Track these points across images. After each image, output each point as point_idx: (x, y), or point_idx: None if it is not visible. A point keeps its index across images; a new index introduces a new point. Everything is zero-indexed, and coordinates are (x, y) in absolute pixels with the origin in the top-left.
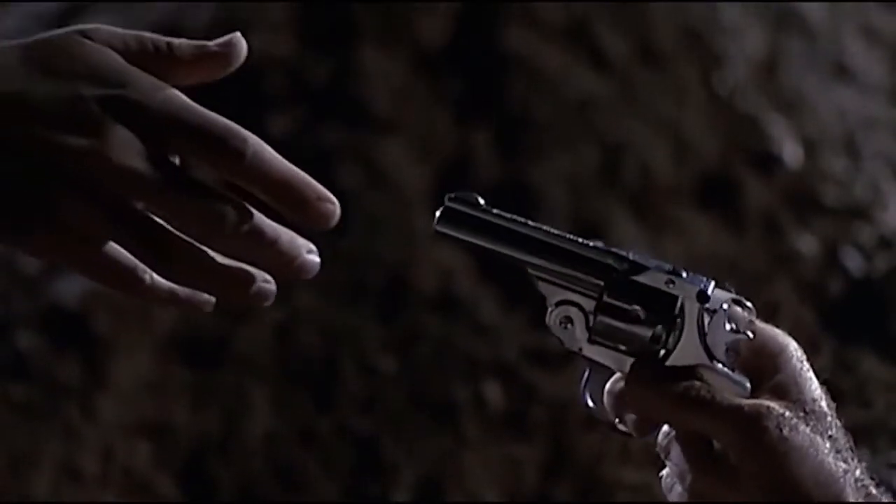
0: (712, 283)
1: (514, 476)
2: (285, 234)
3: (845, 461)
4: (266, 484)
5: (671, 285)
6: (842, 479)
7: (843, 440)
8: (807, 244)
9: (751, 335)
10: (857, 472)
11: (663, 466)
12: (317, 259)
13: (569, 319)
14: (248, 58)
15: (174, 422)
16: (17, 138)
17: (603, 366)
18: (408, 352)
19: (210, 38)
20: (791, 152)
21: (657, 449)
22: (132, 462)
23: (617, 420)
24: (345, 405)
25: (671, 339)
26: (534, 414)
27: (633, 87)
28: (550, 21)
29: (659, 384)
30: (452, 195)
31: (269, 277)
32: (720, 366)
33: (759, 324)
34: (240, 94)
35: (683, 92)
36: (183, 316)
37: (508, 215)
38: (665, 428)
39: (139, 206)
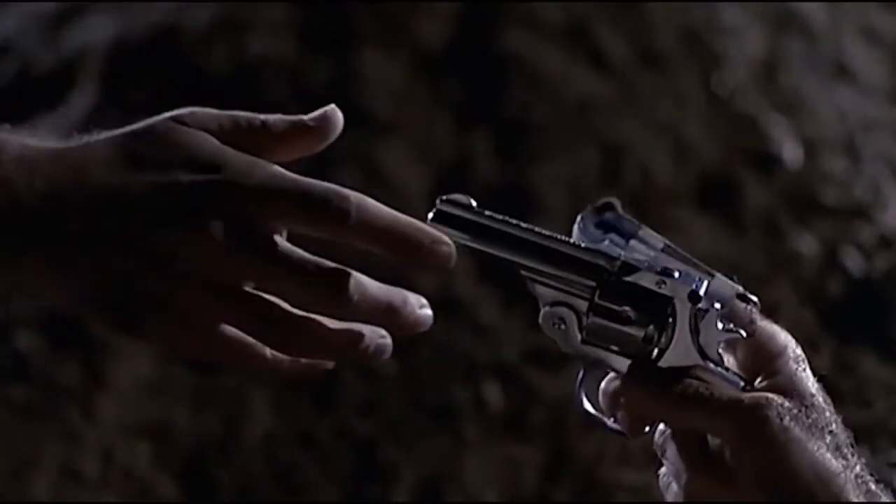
0: (706, 282)
1: (514, 477)
2: (397, 295)
3: (845, 457)
4: (266, 485)
5: (662, 286)
6: (842, 475)
7: (844, 436)
8: (807, 244)
9: (744, 334)
10: (858, 469)
11: (661, 466)
12: (429, 312)
13: (562, 320)
14: (247, 59)
15: (174, 423)
16: (121, 235)
17: (597, 366)
18: (407, 353)
19: (210, 39)
20: (791, 153)
21: (654, 448)
22: (132, 463)
23: (612, 419)
24: (344, 407)
25: (663, 339)
26: (534, 415)
27: (633, 89)
28: (550, 23)
29: (655, 383)
30: (444, 197)
31: (384, 333)
32: (713, 365)
33: (764, 321)
34: (239, 95)
35: (683, 93)
36: None
37: (500, 217)
38: (661, 427)
39: (250, 285)
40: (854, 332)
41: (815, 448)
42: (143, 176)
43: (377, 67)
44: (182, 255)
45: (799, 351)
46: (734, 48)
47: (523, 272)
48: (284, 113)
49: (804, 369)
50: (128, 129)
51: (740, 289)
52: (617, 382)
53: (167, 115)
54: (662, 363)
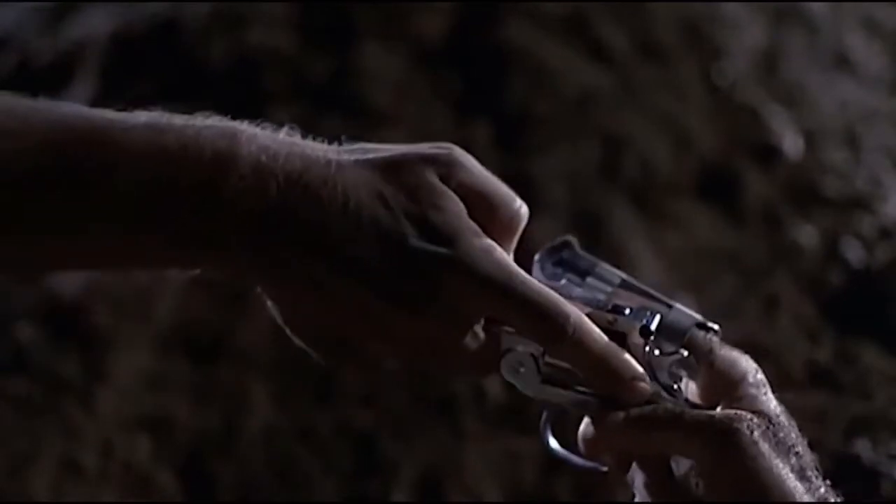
0: (657, 316)
1: (515, 471)
2: (620, 356)
3: (809, 480)
4: (266, 478)
5: (614, 324)
6: (805, 497)
7: (809, 458)
8: (807, 236)
9: (685, 353)
10: (822, 491)
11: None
12: (647, 388)
13: (520, 364)
14: (247, 52)
15: (174, 416)
16: (320, 260)
17: (560, 406)
18: None
19: (209, 32)
20: (791, 144)
21: (628, 481)
22: (132, 457)
23: (582, 459)
24: (344, 400)
25: None
26: (534, 408)
27: (633, 81)
28: (550, 15)
29: (627, 413)
30: None
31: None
32: (667, 395)
33: (722, 349)
34: (239, 88)
35: (683, 85)
36: (183, 310)
37: None
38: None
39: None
40: (855, 323)
41: (782, 466)
42: (380, 211)
43: (377, 60)
44: (398, 332)
45: (760, 376)
46: (734, 40)
47: None
48: (285, 109)
49: (765, 393)
50: (391, 154)
51: (699, 318)
52: (591, 427)
53: (432, 151)
54: None
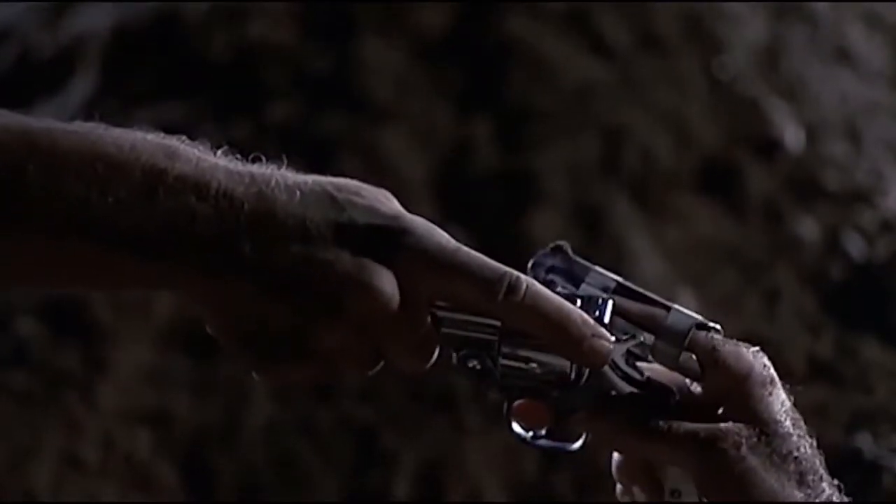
0: (610, 304)
1: (515, 464)
2: (574, 313)
3: (809, 485)
4: (266, 473)
5: None
6: None
7: (811, 462)
8: (808, 229)
9: (643, 338)
10: (824, 496)
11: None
12: (607, 344)
13: (476, 360)
14: (248, 46)
15: (175, 410)
16: (282, 253)
17: (522, 397)
18: None
19: (210, 26)
20: (792, 137)
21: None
22: (133, 451)
23: (543, 439)
24: (344, 394)
25: (575, 366)
26: None
27: (634, 74)
28: (550, 8)
29: (617, 417)
30: None
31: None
32: (628, 387)
33: (727, 346)
34: (240, 82)
35: (684, 78)
36: (183, 305)
37: None
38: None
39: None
40: (856, 317)
41: (775, 478)
42: (325, 209)
43: (377, 54)
44: (339, 288)
45: (767, 371)
46: (735, 33)
47: (438, 313)
48: (286, 103)
49: (771, 393)
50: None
51: (699, 318)
52: (583, 416)
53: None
54: (579, 386)
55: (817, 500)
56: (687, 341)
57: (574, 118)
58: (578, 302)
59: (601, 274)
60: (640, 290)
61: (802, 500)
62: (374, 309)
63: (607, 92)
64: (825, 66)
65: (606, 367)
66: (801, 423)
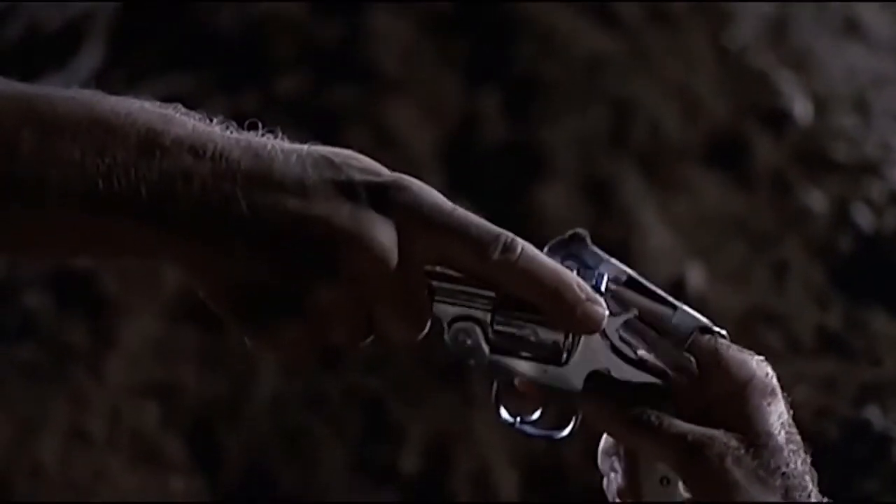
0: (605, 278)
1: (523, 437)
2: (568, 277)
3: (794, 500)
4: (274, 445)
5: None
6: None
7: (799, 479)
8: (817, 201)
9: (635, 312)
10: None
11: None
12: (601, 310)
13: (467, 335)
14: (256, 18)
15: (182, 383)
16: (280, 210)
17: (508, 376)
18: None
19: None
20: (801, 109)
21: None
22: (140, 424)
23: (521, 422)
24: (352, 366)
25: (568, 341)
26: None
27: (643, 47)
28: None
29: (611, 403)
30: None
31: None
32: (626, 365)
33: (730, 352)
34: (248, 55)
35: (693, 51)
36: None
37: None
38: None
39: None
40: (865, 289)
41: (757, 491)
42: (323, 171)
43: (386, 27)
44: (333, 243)
45: (769, 381)
46: (744, 5)
47: (433, 283)
48: (295, 76)
49: (769, 403)
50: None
51: (704, 321)
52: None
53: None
54: (572, 363)
55: None
56: (689, 342)
57: (582, 90)
58: (575, 272)
59: (615, 265)
60: (651, 286)
61: None
62: (371, 264)
63: (616, 64)
64: (834, 38)
65: (599, 339)
66: (797, 437)
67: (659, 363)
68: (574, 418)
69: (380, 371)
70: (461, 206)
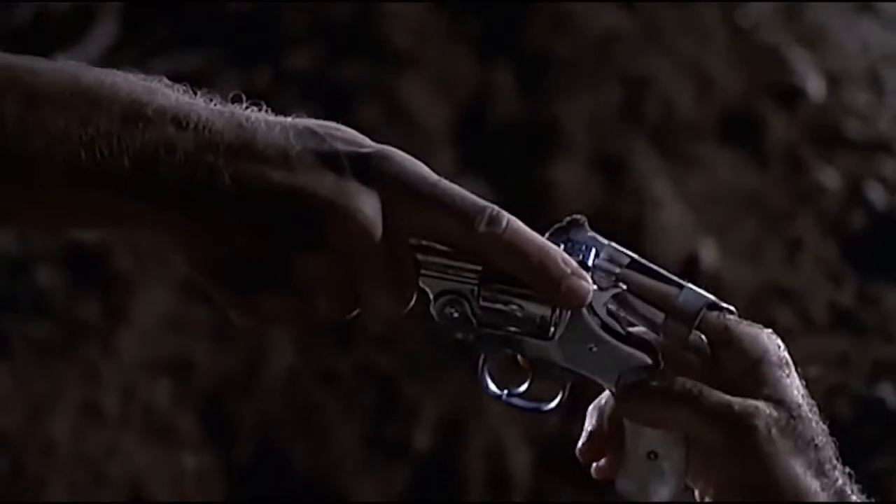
0: (592, 252)
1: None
2: (553, 251)
3: (826, 474)
4: (286, 421)
5: None
6: (821, 495)
7: (827, 451)
8: (830, 178)
9: (623, 286)
10: (839, 484)
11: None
12: (586, 285)
13: (454, 308)
14: None
15: (195, 360)
16: (263, 180)
17: (496, 349)
18: None
19: None
20: (814, 86)
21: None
22: (153, 400)
23: (508, 394)
24: (365, 343)
25: (555, 315)
26: None
27: (656, 23)
28: None
29: (643, 387)
30: None
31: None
32: (614, 340)
33: (740, 327)
34: (259, 31)
35: (706, 27)
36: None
37: None
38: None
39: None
40: (877, 266)
41: (798, 464)
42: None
43: (397, 2)
44: (318, 212)
45: (783, 353)
46: None
47: (418, 257)
48: (307, 51)
49: (788, 375)
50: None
51: (712, 298)
52: (611, 403)
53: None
54: (558, 337)
55: (832, 490)
56: (698, 321)
57: (596, 67)
58: (562, 246)
59: (616, 249)
60: (653, 266)
61: (819, 489)
62: (355, 234)
63: (629, 41)
64: (847, 15)
65: (586, 314)
66: (816, 408)
67: (648, 338)
68: (561, 391)
69: (392, 348)
70: (473, 182)
